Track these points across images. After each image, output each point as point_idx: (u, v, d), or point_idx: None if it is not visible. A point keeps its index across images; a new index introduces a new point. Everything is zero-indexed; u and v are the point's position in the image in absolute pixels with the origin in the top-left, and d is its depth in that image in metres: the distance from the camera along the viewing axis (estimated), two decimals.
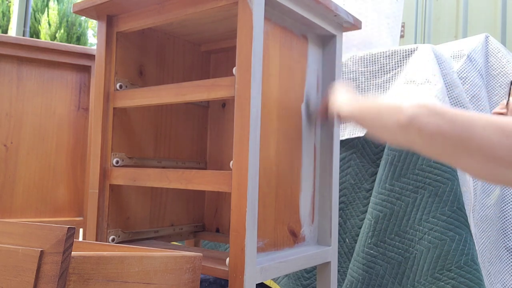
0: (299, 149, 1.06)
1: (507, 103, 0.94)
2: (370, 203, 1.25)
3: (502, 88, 1.51)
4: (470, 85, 1.41)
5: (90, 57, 1.58)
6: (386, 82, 1.39)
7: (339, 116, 0.94)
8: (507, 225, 1.34)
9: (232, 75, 0.90)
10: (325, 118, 1.05)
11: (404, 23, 3.09)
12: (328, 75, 1.14)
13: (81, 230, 1.64)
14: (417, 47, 1.34)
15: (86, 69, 1.61)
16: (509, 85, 0.96)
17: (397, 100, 0.75)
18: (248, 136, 0.85)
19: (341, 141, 1.36)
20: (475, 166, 0.64)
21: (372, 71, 1.41)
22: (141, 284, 0.68)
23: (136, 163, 1.18)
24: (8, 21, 6.20)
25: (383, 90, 1.39)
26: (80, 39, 6.32)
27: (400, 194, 1.19)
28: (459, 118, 0.65)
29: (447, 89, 1.33)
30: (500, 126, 0.63)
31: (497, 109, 0.95)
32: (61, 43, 1.56)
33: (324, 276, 1.12)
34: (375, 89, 1.40)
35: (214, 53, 1.43)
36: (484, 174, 0.65)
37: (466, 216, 1.13)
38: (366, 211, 1.29)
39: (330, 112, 0.99)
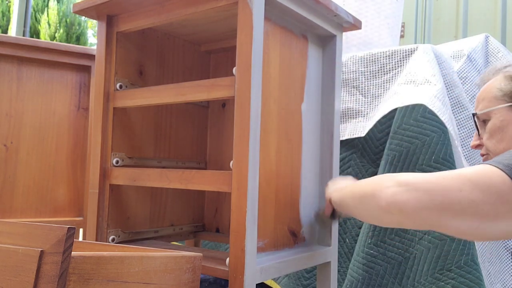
0: (299, 149, 1.06)
1: (479, 134, 0.95)
2: None
3: None
4: (470, 85, 1.41)
5: (90, 57, 1.58)
6: (386, 82, 1.39)
7: (331, 203, 0.95)
8: None
9: (232, 75, 0.90)
10: (330, 213, 1.02)
11: (404, 23, 3.09)
12: (328, 75, 1.14)
13: (81, 230, 1.64)
14: (417, 47, 1.34)
15: (86, 69, 1.61)
16: (472, 117, 0.97)
17: (370, 183, 0.75)
18: (248, 136, 0.85)
19: (341, 141, 1.36)
20: (462, 227, 0.65)
21: (372, 71, 1.41)
22: (141, 284, 0.68)
23: (136, 163, 1.18)
24: (8, 21, 6.20)
25: (383, 90, 1.39)
26: (79, 39, 6.32)
27: None
28: (435, 185, 0.66)
29: (447, 89, 1.33)
30: (474, 182, 0.64)
31: (474, 142, 0.97)
32: (61, 43, 1.56)
33: (324, 276, 1.12)
34: (375, 89, 1.40)
35: (214, 53, 1.43)
36: (473, 232, 0.65)
37: None
38: None
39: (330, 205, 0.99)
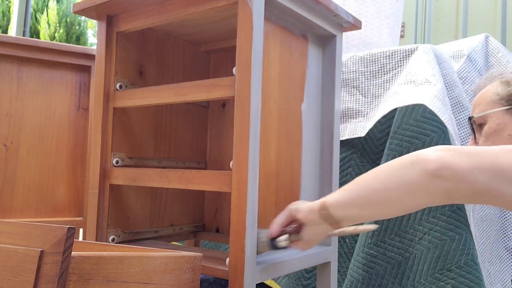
0: (299, 149, 1.06)
1: (475, 138, 0.95)
2: None
3: None
4: (470, 85, 1.41)
5: (90, 57, 1.58)
6: (386, 82, 1.39)
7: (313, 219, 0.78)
8: (507, 225, 1.34)
9: (232, 75, 0.90)
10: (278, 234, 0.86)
11: (404, 23, 3.09)
12: (328, 75, 1.14)
13: (81, 230, 1.64)
14: (417, 47, 1.34)
15: (86, 69, 1.61)
16: (468, 121, 0.97)
17: (401, 158, 0.66)
18: (248, 136, 0.85)
19: (341, 141, 1.36)
20: None
21: (372, 71, 1.41)
22: (141, 284, 0.68)
23: (136, 163, 1.18)
24: (8, 21, 6.20)
25: (383, 90, 1.39)
26: (79, 39, 6.32)
27: None
28: (480, 150, 0.61)
29: (447, 89, 1.33)
30: None
31: (470, 145, 0.96)
32: (61, 43, 1.56)
33: (324, 276, 1.12)
34: (375, 89, 1.40)
35: (214, 53, 1.43)
36: None
37: (466, 216, 1.13)
38: None
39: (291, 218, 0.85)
